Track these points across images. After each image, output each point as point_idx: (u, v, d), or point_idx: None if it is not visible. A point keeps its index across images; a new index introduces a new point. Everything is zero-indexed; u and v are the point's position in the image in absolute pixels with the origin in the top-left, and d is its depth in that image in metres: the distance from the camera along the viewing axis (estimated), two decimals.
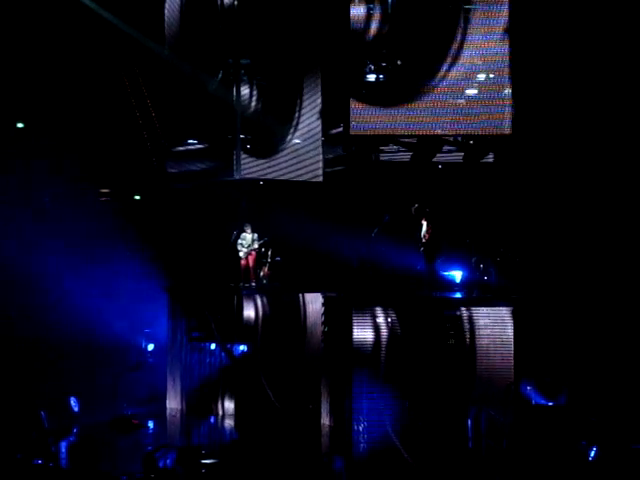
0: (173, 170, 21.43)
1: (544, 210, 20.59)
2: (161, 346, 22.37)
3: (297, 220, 21.30)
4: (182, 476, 15.10)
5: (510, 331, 19.03)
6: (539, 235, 20.62)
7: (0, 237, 22.13)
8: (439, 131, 20.52)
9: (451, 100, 20.35)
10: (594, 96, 20.32)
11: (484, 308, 19.29)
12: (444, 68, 20.38)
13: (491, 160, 21.13)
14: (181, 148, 21.48)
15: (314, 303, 20.63)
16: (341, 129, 20.85)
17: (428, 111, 20.30)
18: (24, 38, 22.24)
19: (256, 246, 20.86)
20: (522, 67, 20.21)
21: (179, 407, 20.94)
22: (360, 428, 18.69)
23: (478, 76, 20.36)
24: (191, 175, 21.39)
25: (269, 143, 21.24)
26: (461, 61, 20.36)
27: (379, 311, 19.23)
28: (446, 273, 20.24)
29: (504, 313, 19.17)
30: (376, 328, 19.27)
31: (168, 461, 15.66)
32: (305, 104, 21.21)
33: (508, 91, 20.13)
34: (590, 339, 19.43)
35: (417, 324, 19.20)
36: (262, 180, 21.34)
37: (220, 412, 20.58)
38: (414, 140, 20.88)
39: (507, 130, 20.16)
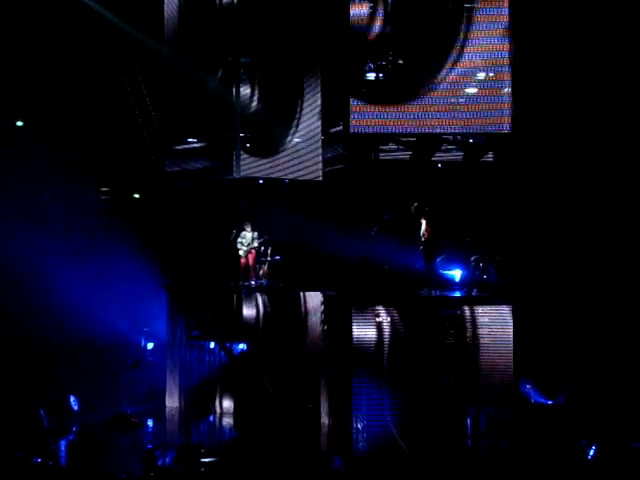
0: (173, 169, 21.41)
1: (544, 209, 20.57)
2: (160, 345, 22.39)
3: (296, 219, 21.30)
4: (181, 475, 15.12)
5: (509, 330, 19.05)
6: (539, 234, 20.60)
7: (0, 237, 22.16)
8: (439, 130, 20.49)
9: (451, 99, 20.33)
10: (594, 95, 20.31)
11: (484, 307, 19.32)
12: (444, 67, 20.37)
13: (491, 159, 21.11)
14: (181, 147, 21.46)
15: (314, 302, 20.63)
16: (341, 128, 20.84)
17: (428, 110, 20.28)
18: (24, 37, 22.24)
19: (256, 245, 20.86)
20: (522, 66, 20.20)
21: (178, 406, 20.94)
22: (359, 427, 18.71)
23: (478, 75, 20.34)
24: (191, 174, 21.37)
25: (269, 142, 21.22)
26: (461, 60, 20.34)
27: (379, 310, 19.25)
28: (446, 272, 20.24)
29: (504, 312, 19.19)
30: (376, 327, 19.30)
31: (167, 460, 15.69)
32: (305, 103, 21.20)
33: (508, 90, 20.11)
34: (589, 338, 19.44)
35: (417, 323, 19.22)
36: (262, 179, 21.33)
37: (219, 411, 20.58)
38: (413, 139, 20.85)
39: (507, 129, 20.14)
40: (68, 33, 22.22)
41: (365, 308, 19.32)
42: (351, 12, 20.26)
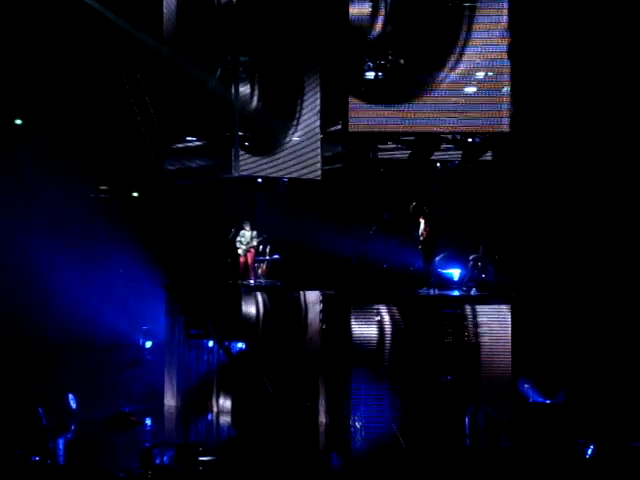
0: (171, 167, 21.40)
1: (542, 208, 20.57)
2: (159, 343, 22.39)
3: (295, 218, 21.31)
4: (179, 473, 15.12)
5: (508, 329, 19.04)
6: (537, 233, 20.61)
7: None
8: (437, 129, 20.49)
9: (450, 98, 20.32)
10: (593, 94, 20.31)
11: (482, 306, 19.31)
12: (443, 66, 20.35)
13: (489, 158, 21.11)
14: (180, 145, 21.46)
15: (312, 300, 20.63)
16: (340, 127, 20.83)
17: (427, 109, 20.26)
18: (23, 35, 22.24)
19: (255, 243, 20.85)
20: (521, 66, 20.19)
21: (177, 404, 20.94)
22: (357, 425, 18.71)
23: (477, 74, 20.33)
24: (189, 172, 21.37)
25: (268, 140, 21.22)
26: (461, 60, 20.32)
27: (377, 309, 19.26)
28: (444, 271, 20.24)
29: (502, 311, 19.19)
30: (374, 326, 19.29)
31: (165, 458, 15.68)
32: (304, 102, 21.19)
33: (507, 89, 20.10)
34: (588, 337, 19.44)
35: (416, 322, 19.22)
36: (261, 177, 21.32)
37: (217, 409, 20.58)
38: (412, 138, 20.85)
39: (506, 128, 20.13)
40: (67, 32, 22.22)
41: (364, 307, 19.32)
42: (350, 11, 20.26)
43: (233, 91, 20.87)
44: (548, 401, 18.82)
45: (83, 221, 23.39)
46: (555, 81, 20.35)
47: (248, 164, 20.91)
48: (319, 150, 21.10)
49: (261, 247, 21.00)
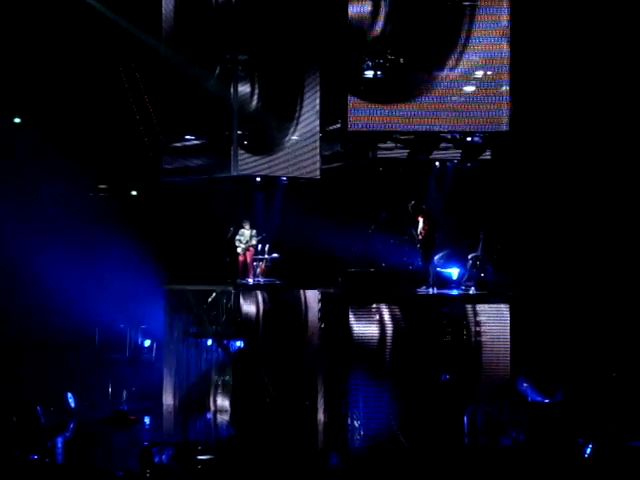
0: (170, 166, 21.39)
1: (541, 207, 20.59)
2: (158, 342, 22.40)
3: (294, 216, 21.30)
4: (178, 472, 15.11)
5: (507, 328, 19.05)
6: (536, 232, 20.62)
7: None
8: (437, 128, 20.48)
9: (449, 97, 20.31)
10: (592, 94, 20.32)
11: (481, 305, 19.31)
12: (443, 65, 20.34)
13: (489, 157, 21.11)
14: (178, 144, 21.45)
15: (312, 299, 20.63)
16: (339, 126, 20.83)
17: (426, 108, 20.26)
18: (22, 34, 22.24)
19: (254, 242, 20.84)
20: (521, 65, 20.19)
21: (175, 403, 20.94)
22: (356, 424, 18.72)
23: (477, 74, 20.33)
24: (188, 171, 21.35)
25: (267, 139, 21.20)
26: (460, 59, 20.31)
27: (376, 308, 19.25)
28: (443, 270, 20.24)
29: (501, 310, 19.19)
30: (373, 325, 19.29)
31: (164, 457, 15.66)
32: (303, 101, 21.18)
33: (506, 88, 20.09)
34: (587, 336, 19.45)
35: (414, 321, 19.22)
36: (260, 176, 21.31)
37: (216, 408, 20.57)
38: (412, 137, 20.85)
39: (505, 127, 20.12)
40: (66, 30, 22.23)
41: (363, 306, 19.32)
42: (350, 10, 20.24)
43: (232, 90, 20.85)
44: (547, 400, 18.82)
45: (82, 220, 23.39)
46: (554, 80, 20.36)
47: (247, 163, 20.89)
48: (318, 149, 21.09)
49: (260, 246, 21.00)
